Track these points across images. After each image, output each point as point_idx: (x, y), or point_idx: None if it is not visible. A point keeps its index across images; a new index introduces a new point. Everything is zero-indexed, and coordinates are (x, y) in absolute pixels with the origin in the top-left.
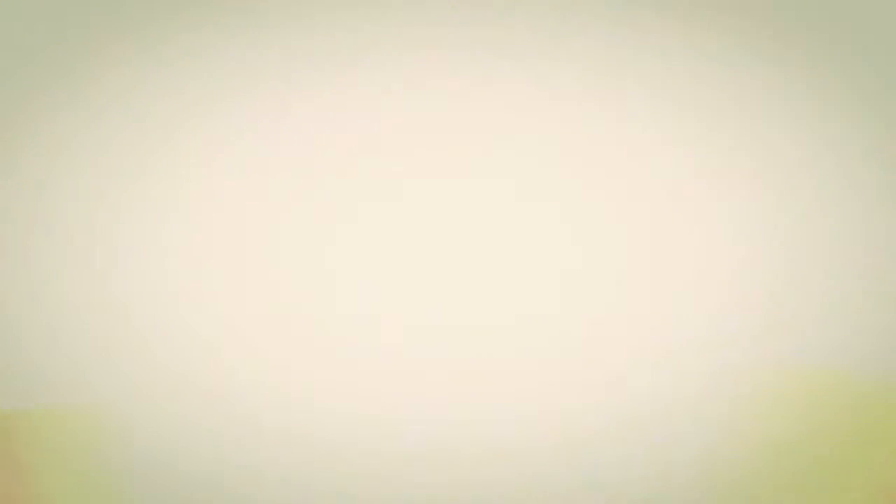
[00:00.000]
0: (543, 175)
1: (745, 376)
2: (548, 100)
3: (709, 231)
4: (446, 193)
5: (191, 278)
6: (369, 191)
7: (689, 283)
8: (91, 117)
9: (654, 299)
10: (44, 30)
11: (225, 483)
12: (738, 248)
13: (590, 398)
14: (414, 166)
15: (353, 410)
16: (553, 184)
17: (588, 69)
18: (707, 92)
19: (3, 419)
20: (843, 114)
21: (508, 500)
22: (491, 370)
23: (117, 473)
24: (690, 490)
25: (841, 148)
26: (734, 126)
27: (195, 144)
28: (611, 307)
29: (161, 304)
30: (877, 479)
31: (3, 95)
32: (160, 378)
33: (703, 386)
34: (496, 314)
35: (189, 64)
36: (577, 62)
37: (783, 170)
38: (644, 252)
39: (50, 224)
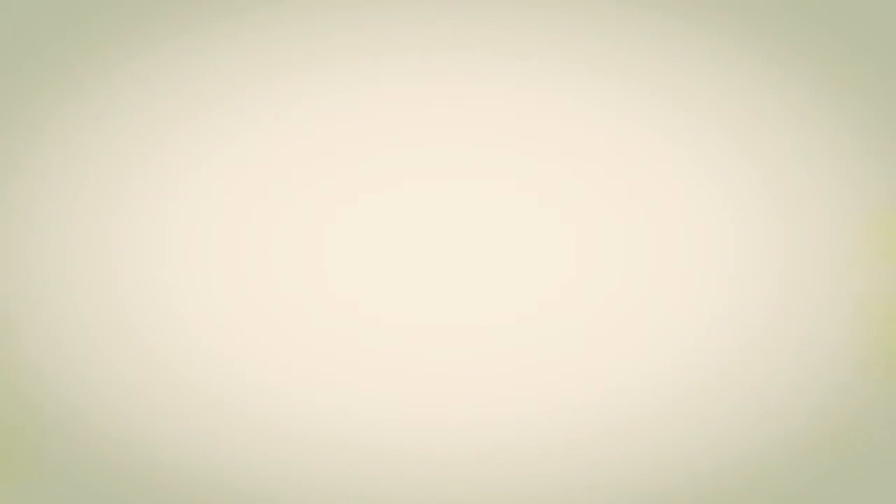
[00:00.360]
0: (543, 175)
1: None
2: (548, 100)
3: (708, 230)
4: (446, 193)
5: (191, 278)
6: (369, 190)
7: (688, 282)
8: (91, 117)
9: (654, 299)
10: (44, 30)
11: (225, 483)
12: (738, 247)
13: (590, 398)
14: (414, 166)
15: (353, 410)
16: (553, 184)
17: (588, 69)
18: (706, 90)
19: None
20: (843, 112)
21: (508, 500)
22: (491, 370)
23: None
24: (690, 489)
25: (839, 146)
26: (733, 125)
27: (195, 144)
28: (610, 306)
29: (161, 304)
30: None
31: (3, 95)
32: (160, 378)
33: (702, 386)
34: (496, 314)
35: (189, 64)
36: (577, 62)
37: (782, 169)
38: (644, 251)
39: (50, 224)
